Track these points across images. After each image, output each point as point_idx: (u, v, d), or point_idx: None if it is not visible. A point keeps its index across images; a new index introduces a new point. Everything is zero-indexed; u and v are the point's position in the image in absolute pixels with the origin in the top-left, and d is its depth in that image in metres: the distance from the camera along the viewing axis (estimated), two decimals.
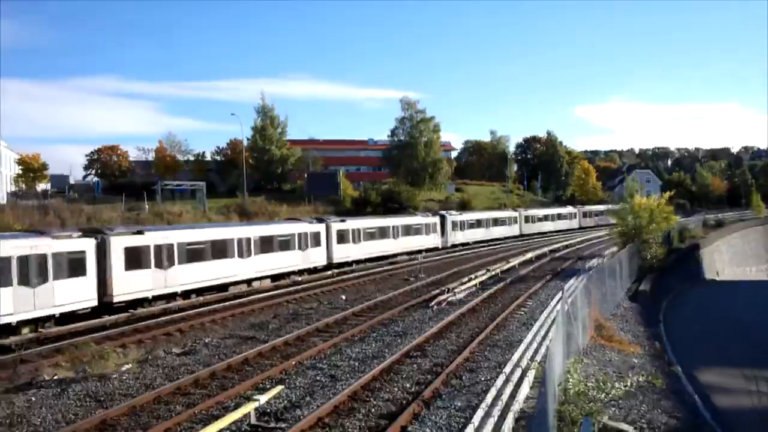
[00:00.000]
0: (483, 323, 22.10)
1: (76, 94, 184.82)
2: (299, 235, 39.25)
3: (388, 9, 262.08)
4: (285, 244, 37.80)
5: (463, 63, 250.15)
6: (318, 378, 15.92)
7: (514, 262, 41.33)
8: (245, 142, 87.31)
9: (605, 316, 23.78)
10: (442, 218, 60.45)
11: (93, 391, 15.34)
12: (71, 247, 24.92)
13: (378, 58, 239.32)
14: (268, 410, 13.17)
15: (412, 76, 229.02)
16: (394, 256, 50.58)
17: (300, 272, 39.34)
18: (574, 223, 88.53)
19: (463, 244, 62.68)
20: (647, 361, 19.90)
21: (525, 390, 13.51)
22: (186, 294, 30.15)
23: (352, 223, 46.23)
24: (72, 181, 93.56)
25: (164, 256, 28.78)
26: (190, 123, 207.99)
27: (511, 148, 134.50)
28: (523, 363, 15.45)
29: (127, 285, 26.86)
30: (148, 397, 14.61)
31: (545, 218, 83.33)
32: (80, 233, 26.50)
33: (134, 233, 28.24)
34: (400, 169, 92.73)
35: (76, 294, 24.62)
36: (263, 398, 12.80)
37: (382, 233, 49.75)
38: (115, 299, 26.36)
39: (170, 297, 29.21)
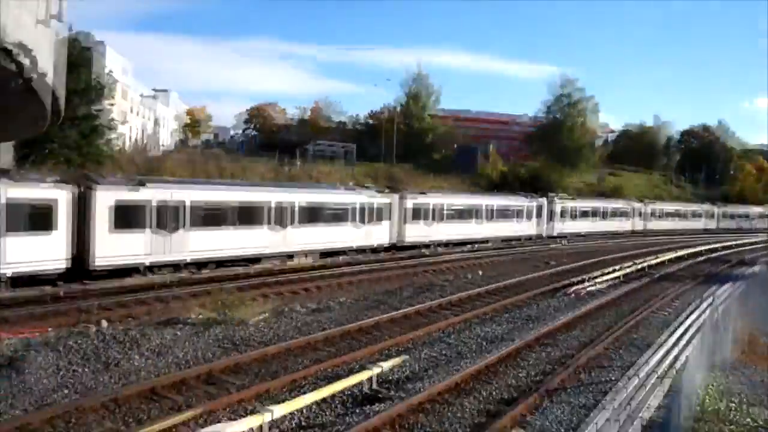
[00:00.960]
0: (620, 319, 21.12)
1: (238, 54, 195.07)
2: (358, 206, 34.23)
3: None
4: (337, 216, 33.07)
5: (630, 40, 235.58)
6: (444, 352, 16.00)
7: (663, 257, 39.00)
8: (397, 109, 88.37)
9: (765, 332, 21.82)
10: (549, 203, 53.00)
11: (230, 335, 16.38)
12: (34, 195, 21.09)
13: (533, 31, 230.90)
14: (390, 378, 13.44)
15: (569, 51, 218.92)
16: (480, 242, 44.71)
17: (357, 251, 34.61)
18: (709, 224, 78.91)
19: (566, 236, 53.94)
20: None
21: (657, 397, 12.80)
22: (199, 265, 26.03)
23: (433, 199, 40.77)
24: (232, 134, 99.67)
25: (169, 217, 24.50)
26: (343, 86, 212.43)
27: (675, 136, 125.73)
28: (659, 368, 14.61)
29: (114, 248, 22.55)
30: (279, 347, 15.38)
31: (673, 214, 73.95)
32: (54, 180, 22.27)
33: (131, 186, 23.83)
34: (550, 149, 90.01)
35: (39, 254, 20.83)
36: (386, 365, 13.07)
37: (468, 214, 43.65)
38: (96, 264, 22.21)
39: (175, 267, 25.05)
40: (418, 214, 38.68)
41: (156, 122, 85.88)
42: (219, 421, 10.52)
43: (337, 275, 28.12)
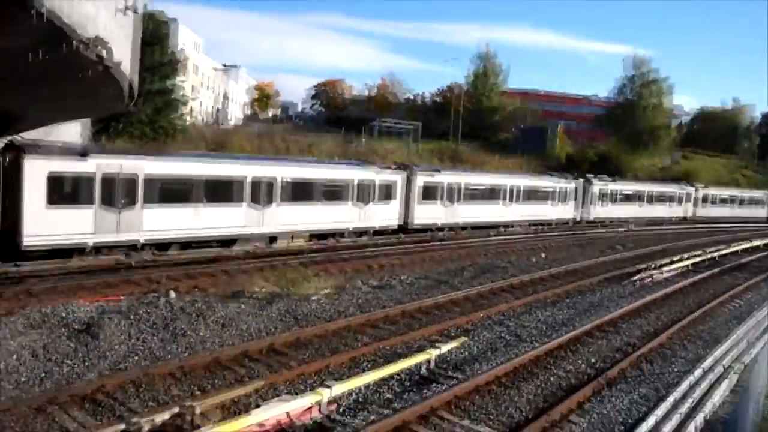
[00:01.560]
0: (687, 309, 20.53)
1: (305, 29, 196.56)
2: (356, 183, 30.82)
3: None
4: (332, 194, 29.78)
5: (709, 19, 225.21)
6: (503, 335, 15.95)
7: (737, 247, 37.56)
8: (464, 87, 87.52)
9: None
10: (586, 184, 48.30)
11: (292, 309, 16.72)
12: None
13: (605, 8, 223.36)
14: (448, 358, 13.52)
15: (643, 30, 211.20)
16: (504, 226, 40.85)
17: (357, 234, 31.61)
18: (761, 212, 71.49)
19: (603, 221, 49.67)
20: None
21: (722, 392, 12.46)
22: (161, 245, 23.59)
23: (449, 176, 36.80)
24: (298, 109, 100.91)
25: (119, 192, 21.86)
26: (409, 63, 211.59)
27: (755, 120, 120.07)
28: (726, 361, 14.20)
29: (50, 226, 20.10)
30: (340, 324, 15.63)
31: (729, 201, 65.77)
32: None
33: (71, 156, 21.08)
34: (621, 131, 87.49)
35: None
36: (445, 347, 13.14)
37: (491, 195, 39.64)
38: (27, 243, 19.68)
39: (129, 248, 22.54)
40: (430, 193, 35.14)
41: (225, 97, 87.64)
42: (279, 395, 10.84)
43: (401, 253, 28.29)
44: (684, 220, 58.51)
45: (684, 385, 12.32)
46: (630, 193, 53.33)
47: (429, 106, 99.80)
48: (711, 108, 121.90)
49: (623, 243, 37.97)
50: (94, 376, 11.24)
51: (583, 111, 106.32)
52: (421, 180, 34.58)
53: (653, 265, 27.43)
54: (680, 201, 59.23)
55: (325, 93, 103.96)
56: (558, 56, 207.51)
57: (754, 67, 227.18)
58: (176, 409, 9.39)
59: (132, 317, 14.24)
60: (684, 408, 11.07)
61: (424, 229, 35.14)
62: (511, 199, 40.93)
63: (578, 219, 47.76)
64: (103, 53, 3.66)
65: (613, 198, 50.82)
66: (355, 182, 30.82)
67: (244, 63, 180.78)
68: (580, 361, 14.24)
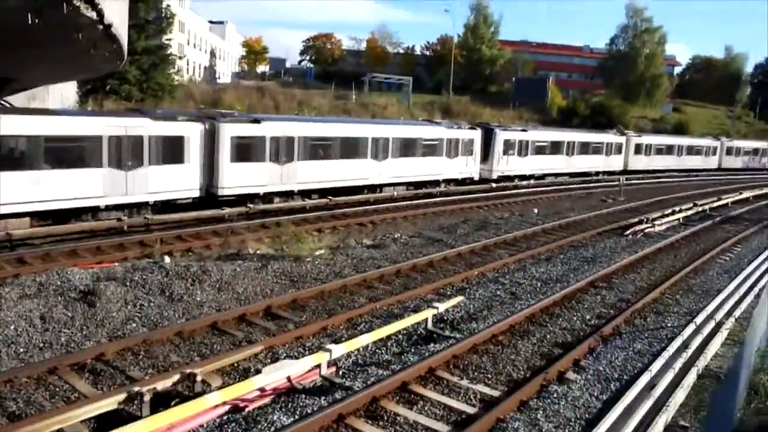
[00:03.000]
0: (680, 263, 20.71)
1: None
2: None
3: None
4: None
5: None
6: (498, 293, 16.04)
7: (727, 199, 37.73)
8: (456, 39, 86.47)
9: None
10: (486, 134, 39.48)
11: (288, 271, 16.74)
12: None
13: None
14: (446, 318, 13.62)
15: None
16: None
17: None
18: (710, 162, 66.33)
19: (512, 178, 41.93)
20: None
21: (715, 347, 12.64)
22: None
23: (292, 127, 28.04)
24: (288, 65, 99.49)
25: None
26: (402, 15, 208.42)
27: (749, 69, 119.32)
28: (718, 316, 14.37)
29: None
30: (336, 284, 15.66)
31: (670, 150, 60.14)
32: None
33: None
34: (615, 82, 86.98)
35: None
36: (442, 307, 13.22)
37: (352, 150, 30.76)
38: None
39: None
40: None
41: (213, 54, 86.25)
42: (278, 358, 10.92)
43: (392, 210, 28.29)
44: (624, 172, 50.63)
45: (678, 340, 12.47)
46: (544, 144, 44.59)
47: (421, 60, 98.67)
48: (704, 57, 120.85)
49: (615, 196, 38.00)
50: (92, 344, 11.27)
51: (580, 62, 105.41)
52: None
53: (645, 219, 27.52)
54: (612, 151, 52.14)
55: (315, 48, 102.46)
56: (553, 6, 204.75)
57: (748, 16, 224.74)
58: (177, 377, 9.46)
59: (128, 283, 14.22)
60: (678, 362, 11.22)
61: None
62: (381, 156, 32.11)
63: (476, 177, 39.04)
64: (104, 12, 3.64)
65: (524, 150, 42.37)
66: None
67: (232, 18, 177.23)
68: (575, 318, 14.38)
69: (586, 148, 48.63)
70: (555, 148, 45.51)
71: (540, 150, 44.01)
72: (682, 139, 65.01)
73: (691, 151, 62.85)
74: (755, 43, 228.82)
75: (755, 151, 74.20)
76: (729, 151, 68.83)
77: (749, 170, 70.31)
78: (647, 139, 57.48)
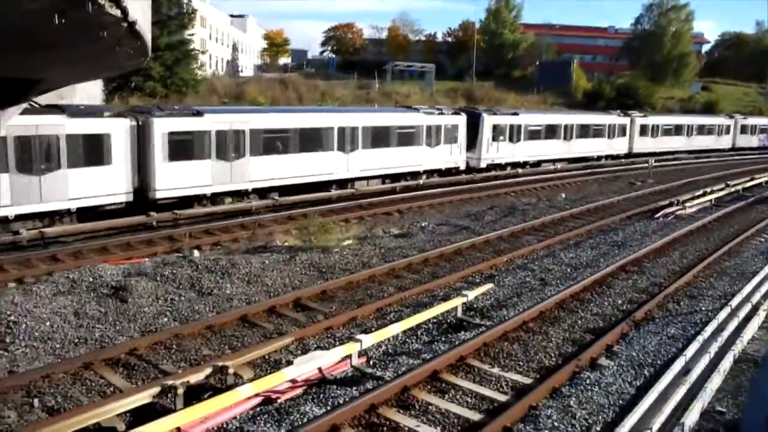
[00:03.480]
0: (713, 245, 20.33)
1: None
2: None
3: None
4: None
5: None
6: (527, 279, 15.91)
7: (761, 178, 36.98)
8: (477, 24, 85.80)
9: None
10: (472, 119, 36.26)
11: (316, 262, 16.77)
12: None
13: None
14: (475, 305, 13.54)
15: None
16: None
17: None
18: (722, 142, 62.72)
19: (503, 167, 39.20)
20: None
21: (752, 330, 12.40)
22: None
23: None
24: (310, 57, 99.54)
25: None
26: (424, 2, 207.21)
27: None
28: (755, 298, 14.08)
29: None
30: (363, 274, 15.66)
31: (677, 131, 56.30)
32: None
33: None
34: (641, 62, 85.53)
35: None
36: (471, 294, 13.15)
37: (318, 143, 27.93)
38: None
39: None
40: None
41: (235, 48, 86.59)
42: (309, 349, 10.96)
43: (419, 198, 28.18)
44: (628, 156, 49.75)
45: (713, 324, 12.26)
46: (538, 128, 41.69)
47: (443, 47, 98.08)
48: (733, 33, 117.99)
49: (644, 179, 37.47)
50: (125, 339, 11.41)
51: (605, 43, 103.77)
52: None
53: (676, 201, 27.10)
54: (615, 134, 49.02)
55: (336, 38, 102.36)
56: None
57: None
58: (209, 370, 9.54)
59: (158, 279, 14.37)
60: (714, 347, 11.03)
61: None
62: (349, 147, 29.23)
63: (462, 167, 36.12)
64: (128, 10, 3.69)
65: (516, 136, 39.47)
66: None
67: (252, 11, 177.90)
68: (606, 303, 14.21)
69: (586, 131, 45.39)
70: (551, 132, 42.38)
71: (534, 135, 40.88)
72: (691, 118, 60.95)
73: (702, 130, 59.32)
74: None
75: None
76: (744, 129, 64.89)
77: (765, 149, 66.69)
78: (653, 120, 53.84)
